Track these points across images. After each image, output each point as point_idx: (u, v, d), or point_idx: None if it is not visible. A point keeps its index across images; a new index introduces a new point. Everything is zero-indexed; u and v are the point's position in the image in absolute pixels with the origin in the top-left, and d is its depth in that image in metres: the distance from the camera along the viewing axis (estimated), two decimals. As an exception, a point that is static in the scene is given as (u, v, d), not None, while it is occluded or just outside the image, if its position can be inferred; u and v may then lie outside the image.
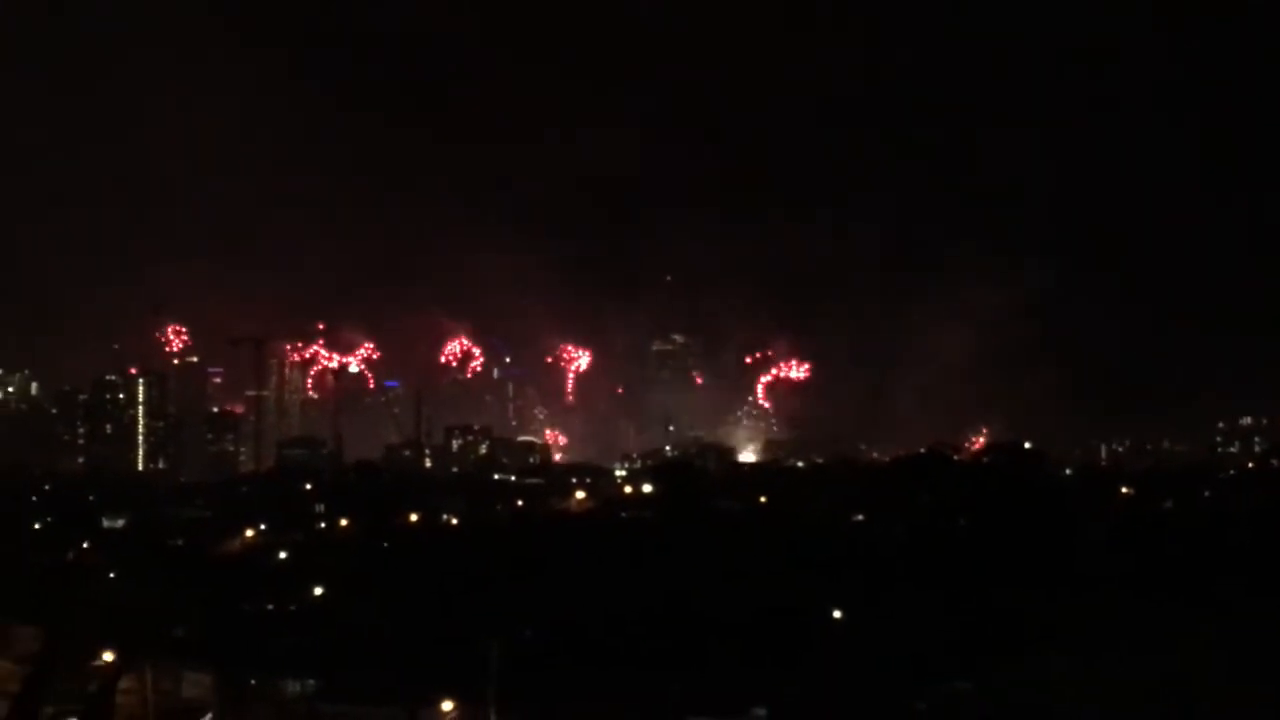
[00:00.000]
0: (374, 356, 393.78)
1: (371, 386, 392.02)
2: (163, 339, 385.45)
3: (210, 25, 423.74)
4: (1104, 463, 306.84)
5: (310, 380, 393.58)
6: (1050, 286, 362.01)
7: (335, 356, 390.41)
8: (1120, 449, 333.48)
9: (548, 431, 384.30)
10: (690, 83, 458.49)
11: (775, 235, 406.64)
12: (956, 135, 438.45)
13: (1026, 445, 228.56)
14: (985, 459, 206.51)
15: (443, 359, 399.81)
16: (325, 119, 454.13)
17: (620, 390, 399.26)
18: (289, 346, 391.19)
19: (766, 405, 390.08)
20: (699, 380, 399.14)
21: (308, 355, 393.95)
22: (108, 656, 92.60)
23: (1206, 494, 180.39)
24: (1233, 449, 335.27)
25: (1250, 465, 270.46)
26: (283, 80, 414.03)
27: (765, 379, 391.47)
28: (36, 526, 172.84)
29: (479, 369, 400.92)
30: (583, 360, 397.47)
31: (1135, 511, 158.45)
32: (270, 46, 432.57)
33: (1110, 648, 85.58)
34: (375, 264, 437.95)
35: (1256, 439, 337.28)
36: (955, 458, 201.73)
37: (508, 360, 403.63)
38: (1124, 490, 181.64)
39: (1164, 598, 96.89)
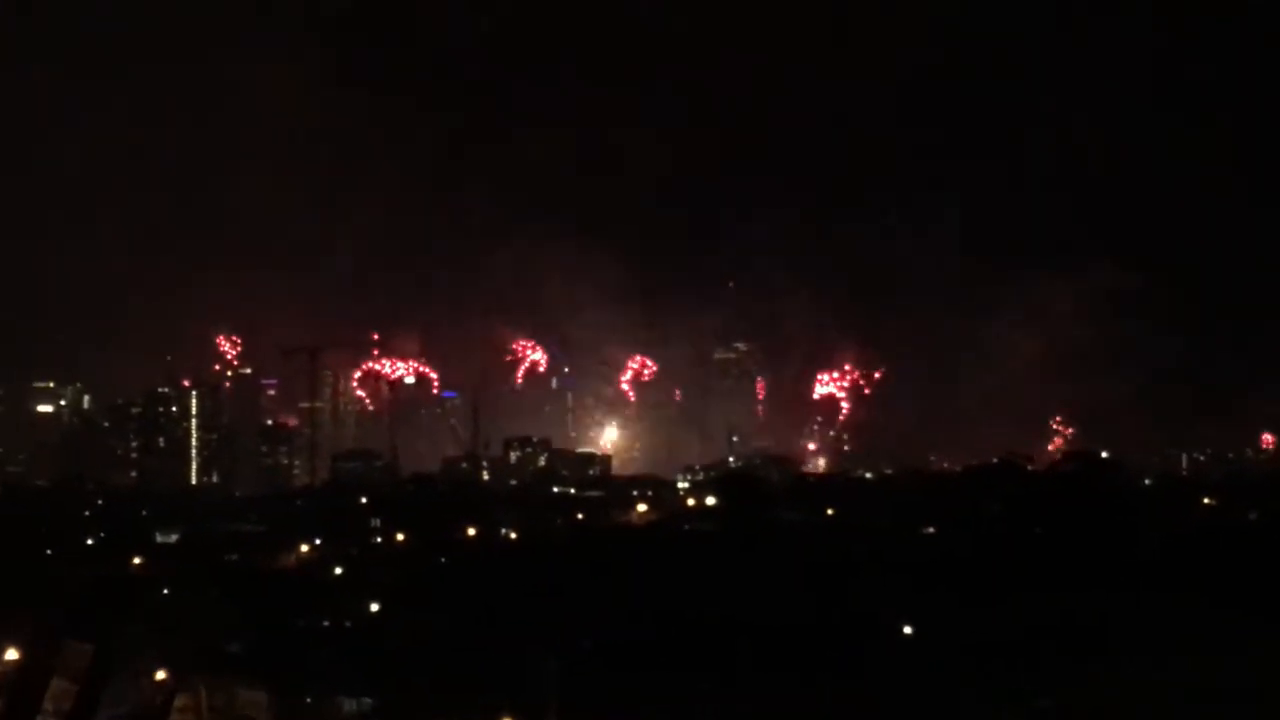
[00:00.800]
0: (431, 365, 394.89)
1: (434, 393, 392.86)
2: (216, 350, 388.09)
3: (259, 21, 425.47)
4: (1184, 472, 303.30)
5: (355, 386, 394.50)
6: (1130, 286, 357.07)
7: (395, 364, 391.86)
8: (1202, 458, 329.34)
9: (606, 443, 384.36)
10: (755, 78, 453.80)
11: (841, 238, 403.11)
12: (1028, 128, 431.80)
13: (1103, 454, 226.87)
14: (1060, 468, 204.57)
15: (501, 368, 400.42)
16: (377, 120, 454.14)
17: (682, 400, 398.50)
18: (346, 357, 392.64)
19: (833, 413, 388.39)
20: (762, 389, 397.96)
21: (364, 367, 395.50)
22: (161, 674, 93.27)
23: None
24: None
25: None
26: (333, 82, 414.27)
27: (831, 386, 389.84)
28: (89, 541, 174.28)
29: (539, 373, 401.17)
30: (647, 369, 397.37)
31: (1218, 522, 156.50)
32: (317, 44, 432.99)
33: (1196, 663, 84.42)
34: (431, 271, 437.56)
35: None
36: (1029, 467, 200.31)
37: (566, 370, 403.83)
38: (1206, 500, 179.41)
39: (1251, 611, 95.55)
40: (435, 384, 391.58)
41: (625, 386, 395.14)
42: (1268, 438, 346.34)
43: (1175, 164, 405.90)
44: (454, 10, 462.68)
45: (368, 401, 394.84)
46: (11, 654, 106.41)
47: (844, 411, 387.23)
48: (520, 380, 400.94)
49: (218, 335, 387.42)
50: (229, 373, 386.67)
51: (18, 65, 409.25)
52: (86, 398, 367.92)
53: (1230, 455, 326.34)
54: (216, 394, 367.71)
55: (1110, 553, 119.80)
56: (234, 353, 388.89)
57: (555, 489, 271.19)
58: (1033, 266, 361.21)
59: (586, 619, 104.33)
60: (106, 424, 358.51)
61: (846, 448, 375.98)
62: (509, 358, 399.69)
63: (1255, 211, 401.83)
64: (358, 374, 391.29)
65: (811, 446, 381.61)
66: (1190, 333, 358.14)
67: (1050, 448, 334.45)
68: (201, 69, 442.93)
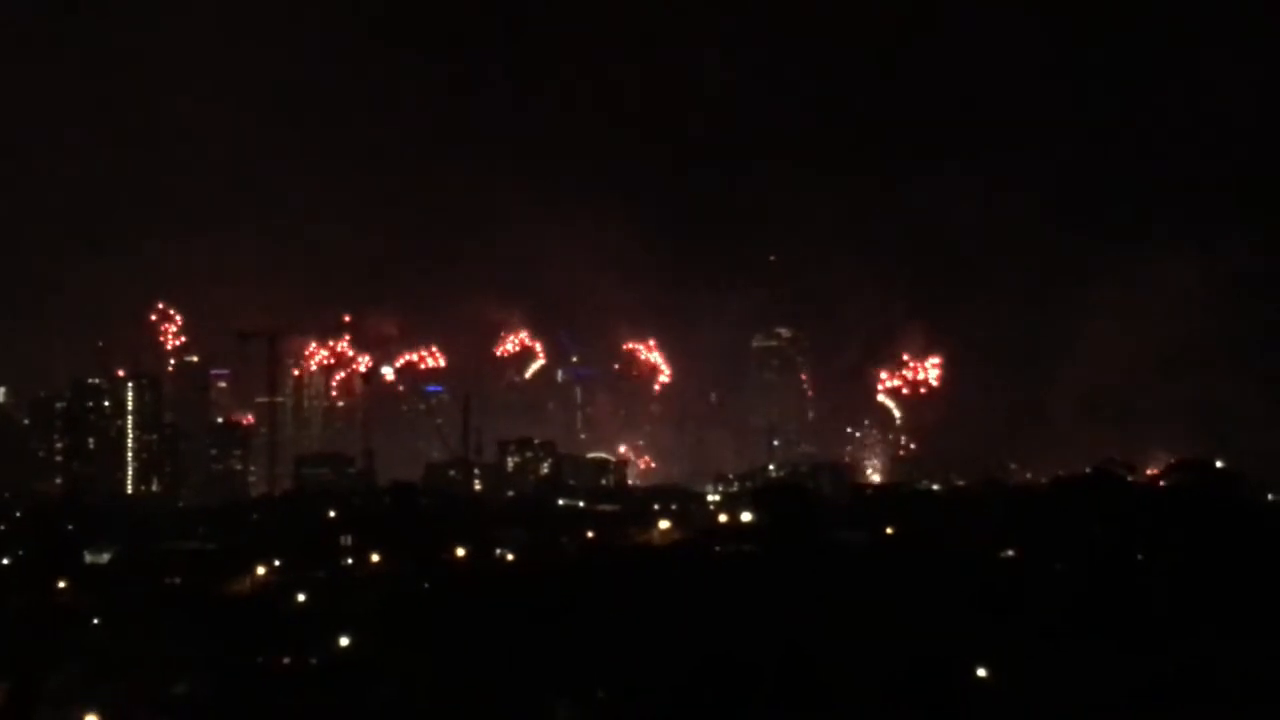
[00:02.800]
0: (413, 354, 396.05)
1: (407, 390, 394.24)
2: (157, 334, 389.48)
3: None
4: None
5: (335, 384, 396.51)
6: (1253, 265, 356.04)
7: (384, 355, 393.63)
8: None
9: (623, 447, 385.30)
10: (802, 9, 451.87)
11: (909, 202, 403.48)
12: (1144, 72, 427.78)
13: (1219, 464, 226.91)
14: (1167, 480, 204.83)
15: (497, 356, 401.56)
16: (355, 64, 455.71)
17: (714, 396, 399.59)
18: (311, 344, 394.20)
19: (895, 413, 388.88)
20: (810, 383, 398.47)
21: (332, 353, 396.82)
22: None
23: None
24: None
25: None
26: (304, 16, 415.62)
27: (892, 381, 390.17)
28: (5, 561, 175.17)
29: (543, 364, 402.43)
30: (663, 359, 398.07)
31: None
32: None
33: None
34: (414, 241, 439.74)
35: None
36: (1130, 479, 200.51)
37: (575, 359, 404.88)
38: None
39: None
40: (421, 364, 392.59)
41: (653, 379, 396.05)
42: None
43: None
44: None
45: (336, 397, 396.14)
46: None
47: (907, 410, 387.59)
48: (527, 378, 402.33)
49: (157, 316, 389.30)
50: (172, 361, 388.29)
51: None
52: (2, 390, 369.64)
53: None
54: (157, 386, 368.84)
55: (1229, 583, 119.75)
56: (177, 337, 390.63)
57: (561, 501, 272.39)
58: (1136, 242, 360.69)
59: (600, 661, 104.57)
60: (26, 421, 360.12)
61: (910, 453, 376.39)
62: (505, 352, 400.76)
63: None
64: (317, 359, 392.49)
65: (868, 452, 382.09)
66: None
67: (1154, 457, 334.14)
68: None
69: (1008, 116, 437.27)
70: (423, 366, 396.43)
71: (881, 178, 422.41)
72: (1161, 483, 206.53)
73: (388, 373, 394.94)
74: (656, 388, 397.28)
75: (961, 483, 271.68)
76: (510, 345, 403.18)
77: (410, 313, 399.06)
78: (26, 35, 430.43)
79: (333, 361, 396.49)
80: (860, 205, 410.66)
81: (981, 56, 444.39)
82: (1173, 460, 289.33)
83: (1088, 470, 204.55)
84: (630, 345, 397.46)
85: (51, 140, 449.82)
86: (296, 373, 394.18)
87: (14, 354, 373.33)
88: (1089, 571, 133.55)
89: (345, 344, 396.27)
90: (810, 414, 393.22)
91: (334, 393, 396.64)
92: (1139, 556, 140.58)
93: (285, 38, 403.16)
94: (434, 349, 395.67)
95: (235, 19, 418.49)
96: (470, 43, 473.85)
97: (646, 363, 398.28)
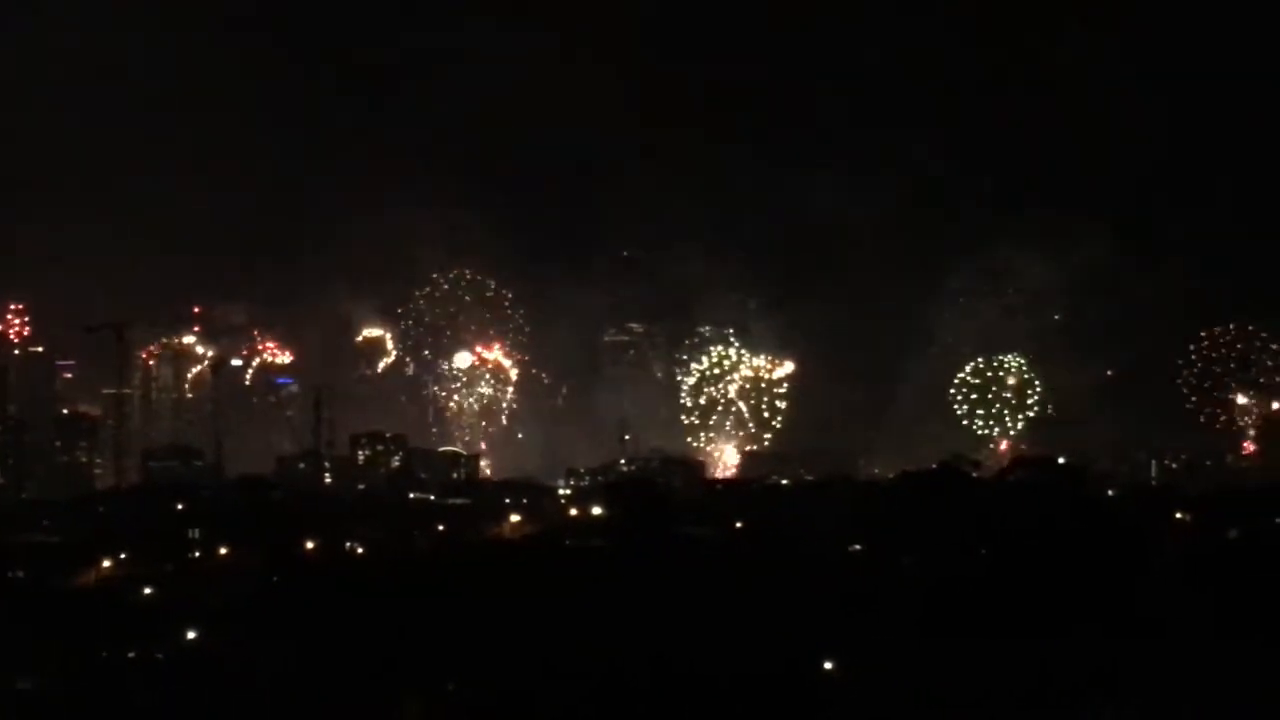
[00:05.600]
0: (263, 346, 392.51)
1: (258, 384, 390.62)
2: (1, 324, 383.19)
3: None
4: (1154, 482, 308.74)
5: (183, 376, 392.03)
6: (1108, 261, 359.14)
7: (233, 347, 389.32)
8: (1174, 465, 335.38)
9: (473, 439, 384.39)
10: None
11: (762, 195, 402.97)
12: (1005, 56, 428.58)
13: (1061, 460, 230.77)
14: (1013, 476, 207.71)
15: (349, 351, 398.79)
16: (207, 41, 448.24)
17: (564, 390, 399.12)
18: (159, 335, 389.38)
19: (744, 409, 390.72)
20: (662, 379, 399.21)
21: (180, 345, 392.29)
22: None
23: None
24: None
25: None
26: (154, 3, 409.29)
27: (743, 376, 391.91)
28: None
29: (393, 357, 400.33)
30: (506, 355, 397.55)
31: (1196, 542, 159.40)
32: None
33: (1171, 706, 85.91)
34: (266, 230, 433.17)
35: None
36: (975, 475, 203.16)
37: (426, 353, 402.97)
38: (1179, 515, 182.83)
39: (1236, 643, 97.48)
40: (269, 351, 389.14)
41: (503, 373, 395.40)
42: (1248, 445, 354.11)
43: (1183, 126, 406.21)
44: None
45: (186, 388, 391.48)
46: None
47: (758, 405, 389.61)
48: (370, 365, 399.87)
49: (1, 306, 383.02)
50: (16, 351, 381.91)
51: None
52: None
53: (1208, 463, 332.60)
54: (1, 376, 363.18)
55: (1073, 578, 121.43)
56: (22, 327, 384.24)
57: (412, 494, 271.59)
58: (995, 231, 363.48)
59: (449, 655, 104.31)
60: None
61: (761, 449, 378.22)
62: (356, 345, 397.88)
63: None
64: (158, 347, 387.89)
65: (719, 446, 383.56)
66: (1175, 314, 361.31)
67: (999, 452, 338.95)
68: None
69: (868, 113, 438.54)
70: (272, 359, 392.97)
71: (737, 167, 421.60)
72: (1007, 478, 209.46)
73: (237, 364, 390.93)
74: (503, 389, 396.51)
75: (811, 478, 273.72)
76: (362, 338, 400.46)
77: (260, 304, 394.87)
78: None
79: (181, 353, 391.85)
80: (715, 199, 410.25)
81: (842, 53, 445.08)
82: (1018, 456, 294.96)
83: (934, 466, 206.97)
84: (479, 349, 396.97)
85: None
86: (145, 363, 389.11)
87: None
88: (935, 565, 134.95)
89: (194, 335, 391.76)
90: (662, 409, 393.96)
91: (184, 385, 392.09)
92: (983, 551, 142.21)
93: (136, 24, 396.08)
94: (284, 341, 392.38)
95: (84, 2, 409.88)
96: (327, 33, 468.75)
97: (495, 362, 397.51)
